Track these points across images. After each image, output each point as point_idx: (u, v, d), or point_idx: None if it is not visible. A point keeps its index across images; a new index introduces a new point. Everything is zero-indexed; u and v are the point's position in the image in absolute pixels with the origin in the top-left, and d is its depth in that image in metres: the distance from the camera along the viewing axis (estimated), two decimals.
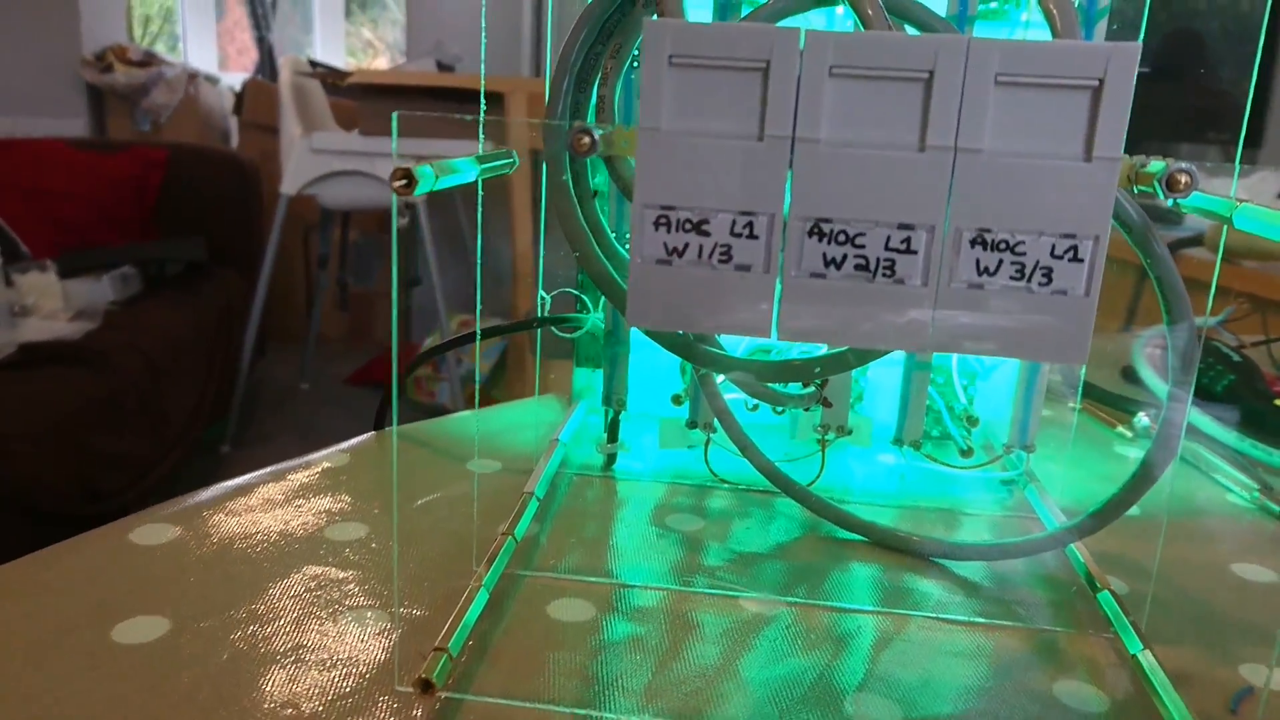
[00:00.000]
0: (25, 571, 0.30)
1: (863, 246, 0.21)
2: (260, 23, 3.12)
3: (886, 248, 0.21)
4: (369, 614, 0.28)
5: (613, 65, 0.31)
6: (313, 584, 0.30)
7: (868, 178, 0.21)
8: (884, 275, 0.21)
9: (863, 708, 0.26)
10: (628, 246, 0.34)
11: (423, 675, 0.24)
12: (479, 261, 0.31)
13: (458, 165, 0.23)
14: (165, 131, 2.72)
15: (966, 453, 0.38)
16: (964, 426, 0.39)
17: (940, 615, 0.30)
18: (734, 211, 0.21)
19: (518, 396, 0.47)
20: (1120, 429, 0.47)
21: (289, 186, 2.12)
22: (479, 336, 0.30)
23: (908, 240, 0.21)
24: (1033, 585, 0.33)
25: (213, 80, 3.00)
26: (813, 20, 0.32)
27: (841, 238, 0.21)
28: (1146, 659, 0.27)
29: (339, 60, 3.09)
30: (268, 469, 0.38)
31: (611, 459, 0.40)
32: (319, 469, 0.38)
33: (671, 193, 0.21)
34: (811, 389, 0.34)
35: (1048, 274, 0.21)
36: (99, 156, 2.19)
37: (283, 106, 2.20)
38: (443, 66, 2.60)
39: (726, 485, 0.38)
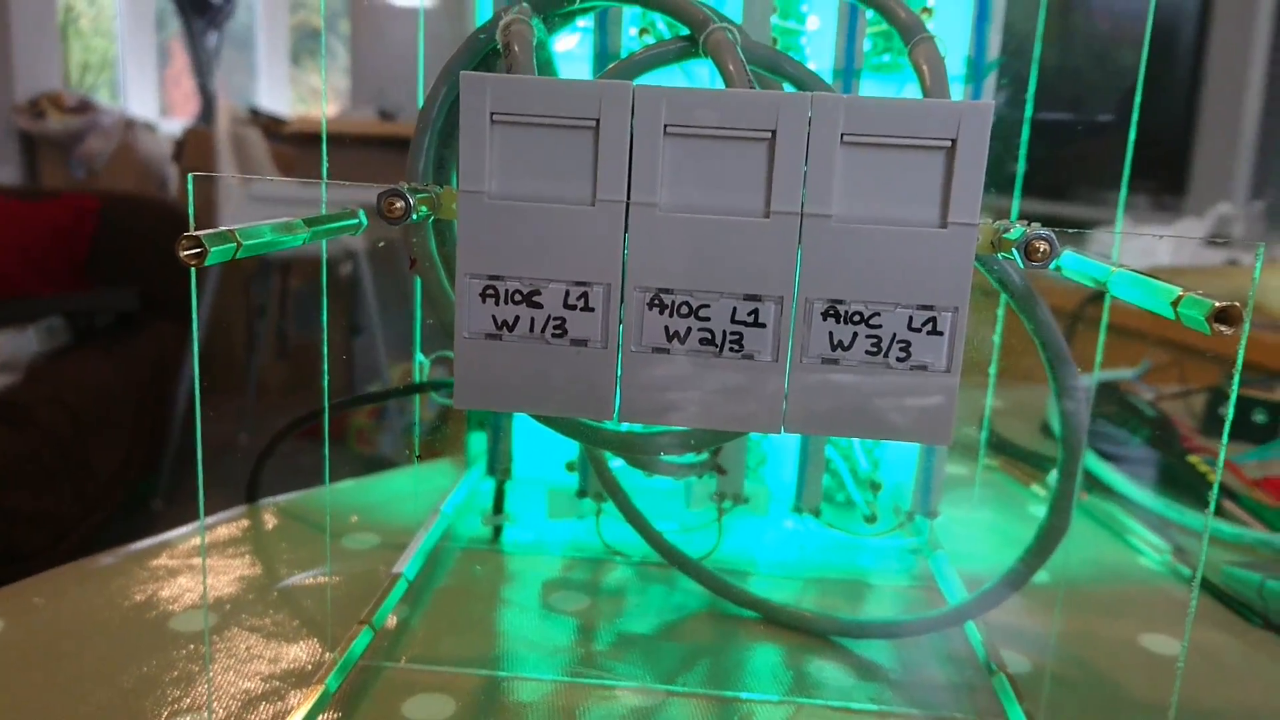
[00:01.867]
0: None
1: (707, 319, 0.19)
2: (203, 69, 3.09)
3: (733, 320, 0.19)
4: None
5: None
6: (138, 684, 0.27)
7: (710, 245, 0.19)
8: (731, 350, 0.19)
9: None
10: None
11: None
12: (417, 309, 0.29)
13: (263, 231, 0.21)
14: (101, 180, 2.67)
15: (870, 519, 0.36)
16: (867, 491, 0.37)
17: (843, 704, 0.28)
18: (567, 281, 0.19)
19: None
20: (1035, 487, 0.46)
21: None
22: (326, 413, 0.28)
23: (755, 312, 0.19)
24: (934, 664, 0.31)
25: (151, 128, 2.96)
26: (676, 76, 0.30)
27: (684, 309, 0.19)
28: None
29: (285, 107, 3.07)
30: (123, 548, 0.35)
31: (498, 531, 0.38)
32: (180, 548, 0.35)
33: (499, 262, 0.19)
34: (705, 456, 0.32)
35: (906, 348, 0.19)
36: (29, 205, 2.14)
37: (219, 154, 2.17)
38: (385, 114, 2.59)
39: (620, 558, 0.36)
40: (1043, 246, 0.18)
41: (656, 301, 0.19)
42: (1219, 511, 0.44)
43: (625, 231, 0.19)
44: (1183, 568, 0.38)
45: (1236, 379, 0.18)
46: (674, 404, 0.20)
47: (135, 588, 0.32)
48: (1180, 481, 0.46)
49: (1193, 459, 0.47)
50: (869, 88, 0.34)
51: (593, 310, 0.19)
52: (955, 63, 0.34)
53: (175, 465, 2.16)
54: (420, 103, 0.28)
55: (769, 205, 0.19)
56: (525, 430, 0.37)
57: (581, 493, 0.36)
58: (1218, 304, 0.17)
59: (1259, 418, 0.58)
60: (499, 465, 0.37)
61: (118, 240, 2.17)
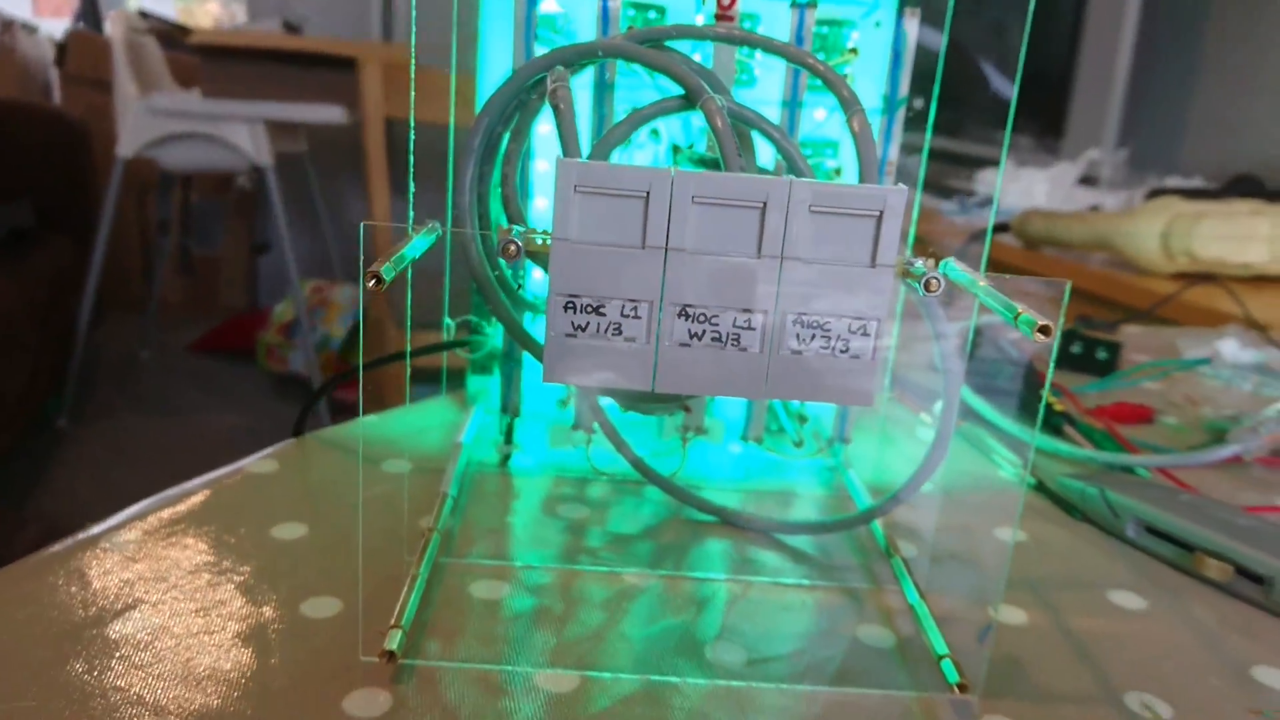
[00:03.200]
0: None
1: (717, 325, 0.29)
2: None
3: (734, 326, 0.29)
4: (324, 599, 0.35)
5: (514, 146, 0.38)
6: (263, 578, 0.36)
7: (720, 276, 0.29)
8: (733, 345, 0.29)
9: (719, 654, 0.34)
10: (531, 297, 0.41)
11: (386, 648, 0.31)
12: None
13: (419, 244, 0.29)
14: None
15: (798, 444, 0.47)
16: (796, 423, 0.48)
17: (776, 579, 0.39)
18: (623, 299, 0.29)
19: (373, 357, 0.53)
20: (923, 416, 0.58)
21: (126, 149, 2.05)
22: (409, 356, 0.37)
23: (749, 321, 0.29)
24: (848, 552, 0.42)
25: (30, 29, 2.82)
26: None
27: (701, 319, 0.29)
28: (922, 607, 0.36)
29: (168, 10, 2.96)
30: (199, 480, 0.44)
31: (507, 458, 0.47)
32: (243, 476, 0.44)
33: (576, 285, 0.29)
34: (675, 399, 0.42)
35: (846, 345, 0.29)
36: None
37: (117, 64, 2.11)
38: (289, 27, 2.54)
39: (605, 477, 0.46)
40: (935, 284, 0.28)
41: (683, 313, 0.29)
42: (1060, 433, 0.56)
43: (664, 266, 0.28)
44: (1030, 478, 0.50)
45: (1050, 374, 0.29)
46: (692, 379, 0.30)
47: (216, 513, 0.41)
48: (1033, 410, 0.58)
49: (1052, 394, 0.59)
50: (809, 109, 0.43)
51: (640, 319, 0.29)
52: (874, 97, 0.44)
53: (80, 383, 2.16)
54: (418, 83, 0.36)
55: (760, 250, 0.28)
56: (530, 376, 0.46)
57: (575, 427, 0.46)
58: (1039, 322, 0.27)
59: (1101, 354, 0.71)
60: (510, 405, 0.46)
61: (5, 151, 2.11)
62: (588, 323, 0.29)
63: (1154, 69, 1.69)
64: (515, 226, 0.29)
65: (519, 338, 0.39)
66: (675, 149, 0.43)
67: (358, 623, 0.33)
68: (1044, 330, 0.27)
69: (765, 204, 0.28)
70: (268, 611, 0.34)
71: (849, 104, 0.34)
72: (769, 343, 0.29)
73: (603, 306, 0.29)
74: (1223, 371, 0.72)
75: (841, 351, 0.29)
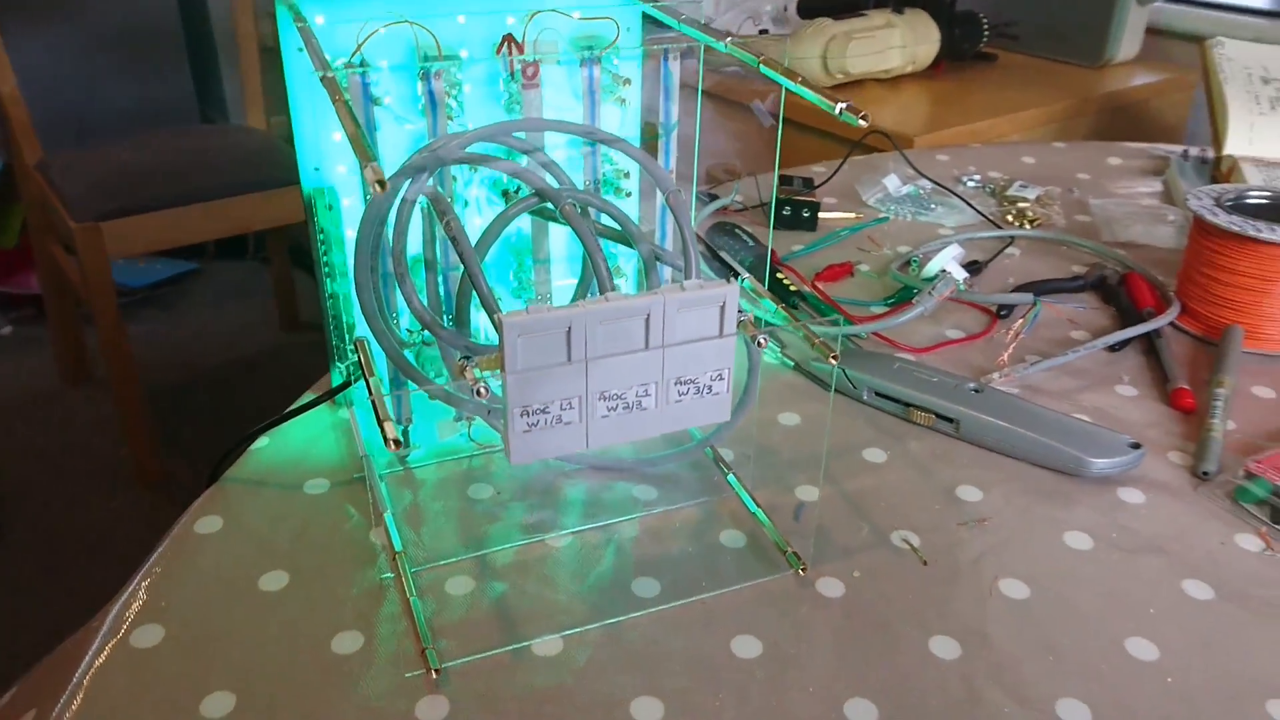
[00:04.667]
0: None
1: (625, 398, 0.41)
2: None
3: (636, 396, 0.41)
4: (348, 634, 0.45)
5: (428, 256, 0.46)
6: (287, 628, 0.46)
7: (625, 368, 0.40)
8: (637, 408, 0.42)
9: (640, 589, 0.48)
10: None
11: (431, 666, 0.43)
12: None
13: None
14: None
15: None
16: None
17: (654, 511, 0.54)
18: (560, 399, 0.40)
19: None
20: None
21: None
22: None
23: (646, 389, 0.41)
24: (692, 477, 0.57)
25: None
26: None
27: (614, 397, 0.41)
28: (752, 504, 0.53)
29: None
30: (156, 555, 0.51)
31: (405, 457, 0.57)
32: (196, 538, 0.51)
33: (527, 399, 0.39)
34: None
35: (709, 387, 0.43)
36: None
37: None
38: None
39: (485, 450, 0.58)
40: (763, 342, 0.42)
41: (602, 396, 0.41)
42: (798, 309, 0.73)
43: (586, 372, 0.40)
44: (786, 359, 0.67)
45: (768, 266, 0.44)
46: (612, 436, 0.42)
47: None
48: (775, 291, 0.75)
49: (780, 275, 0.76)
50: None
51: (573, 408, 0.40)
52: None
53: None
54: None
55: (648, 344, 0.40)
56: (418, 397, 0.56)
57: (457, 418, 0.56)
58: (830, 354, 0.42)
59: (805, 214, 0.88)
60: (403, 416, 0.56)
61: None
62: (538, 420, 0.40)
63: None
64: (476, 369, 0.39)
65: (401, 367, 0.48)
66: (505, 194, 0.52)
67: (378, 651, 0.45)
68: (833, 357, 0.42)
69: (649, 315, 0.40)
70: (304, 657, 0.44)
71: (665, 184, 0.45)
72: (659, 400, 0.42)
73: (547, 408, 0.40)
74: (890, 207, 0.92)
75: (707, 392, 0.43)
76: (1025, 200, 0.92)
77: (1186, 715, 0.42)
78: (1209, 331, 0.71)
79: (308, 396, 0.61)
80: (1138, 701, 0.43)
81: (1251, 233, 0.67)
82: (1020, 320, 0.70)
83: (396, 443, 0.37)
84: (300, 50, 0.50)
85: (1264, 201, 0.73)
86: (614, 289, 0.43)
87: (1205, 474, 0.57)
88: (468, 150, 0.47)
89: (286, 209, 2.02)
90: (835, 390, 0.65)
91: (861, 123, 0.40)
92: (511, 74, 0.50)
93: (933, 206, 0.92)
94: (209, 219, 1.92)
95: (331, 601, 0.47)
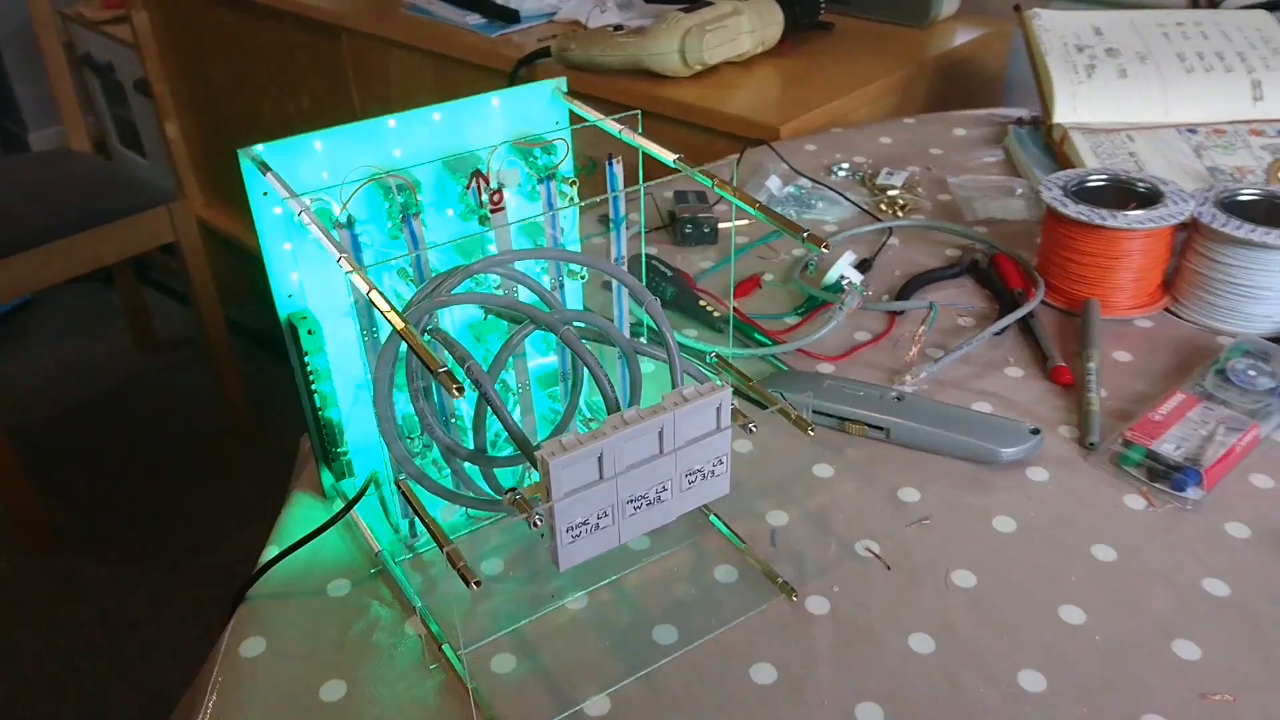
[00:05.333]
0: None
1: (647, 496, 0.48)
2: None
3: (655, 493, 0.48)
4: None
5: (426, 403, 0.51)
6: None
7: (646, 473, 0.47)
8: (656, 501, 0.49)
9: (660, 636, 0.56)
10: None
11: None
12: None
13: None
14: None
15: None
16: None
17: (649, 560, 0.61)
18: (597, 510, 0.46)
19: None
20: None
21: None
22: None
23: (663, 485, 0.48)
24: (679, 521, 0.64)
25: None
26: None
27: (639, 497, 0.48)
28: (738, 541, 0.61)
29: None
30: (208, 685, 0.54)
31: (413, 545, 0.62)
32: (243, 661, 0.56)
33: (571, 516, 0.46)
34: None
35: (712, 471, 0.50)
36: None
37: None
38: None
39: (483, 523, 0.64)
40: (753, 429, 0.49)
41: (630, 500, 0.47)
42: (723, 332, 0.81)
43: (616, 485, 0.46)
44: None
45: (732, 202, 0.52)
46: (638, 527, 0.49)
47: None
48: (699, 317, 0.82)
49: (702, 301, 0.83)
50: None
51: (607, 515, 0.47)
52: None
53: None
54: None
55: (661, 449, 0.47)
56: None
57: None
58: (804, 423, 0.49)
59: (706, 229, 0.95)
60: (406, 512, 0.60)
61: None
62: (580, 531, 0.47)
63: None
64: (534, 499, 0.45)
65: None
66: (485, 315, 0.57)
67: None
68: (800, 424, 0.50)
69: (661, 430, 0.47)
70: None
71: (642, 295, 0.52)
72: (674, 491, 0.49)
73: (587, 520, 0.46)
74: (777, 209, 1.00)
75: (711, 475, 0.50)
76: (894, 188, 1.02)
77: (1115, 666, 0.53)
78: (1071, 304, 0.83)
79: (305, 500, 0.65)
80: (1078, 661, 0.53)
81: (1098, 221, 0.78)
82: (921, 324, 0.80)
83: (477, 583, 0.42)
84: (266, 194, 0.54)
85: (1103, 184, 0.84)
86: (619, 407, 0.49)
87: (1092, 445, 0.68)
88: (465, 286, 0.52)
89: (138, 239, 1.95)
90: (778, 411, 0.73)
91: (824, 251, 0.47)
92: (481, 204, 0.55)
93: (815, 203, 1.01)
94: (54, 261, 1.85)
95: (394, 700, 0.53)
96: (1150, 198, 0.81)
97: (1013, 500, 0.64)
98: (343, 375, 0.60)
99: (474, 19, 1.66)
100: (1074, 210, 0.79)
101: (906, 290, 0.86)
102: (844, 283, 0.84)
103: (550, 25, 1.64)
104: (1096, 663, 0.53)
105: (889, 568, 0.60)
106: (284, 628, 0.58)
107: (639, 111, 0.57)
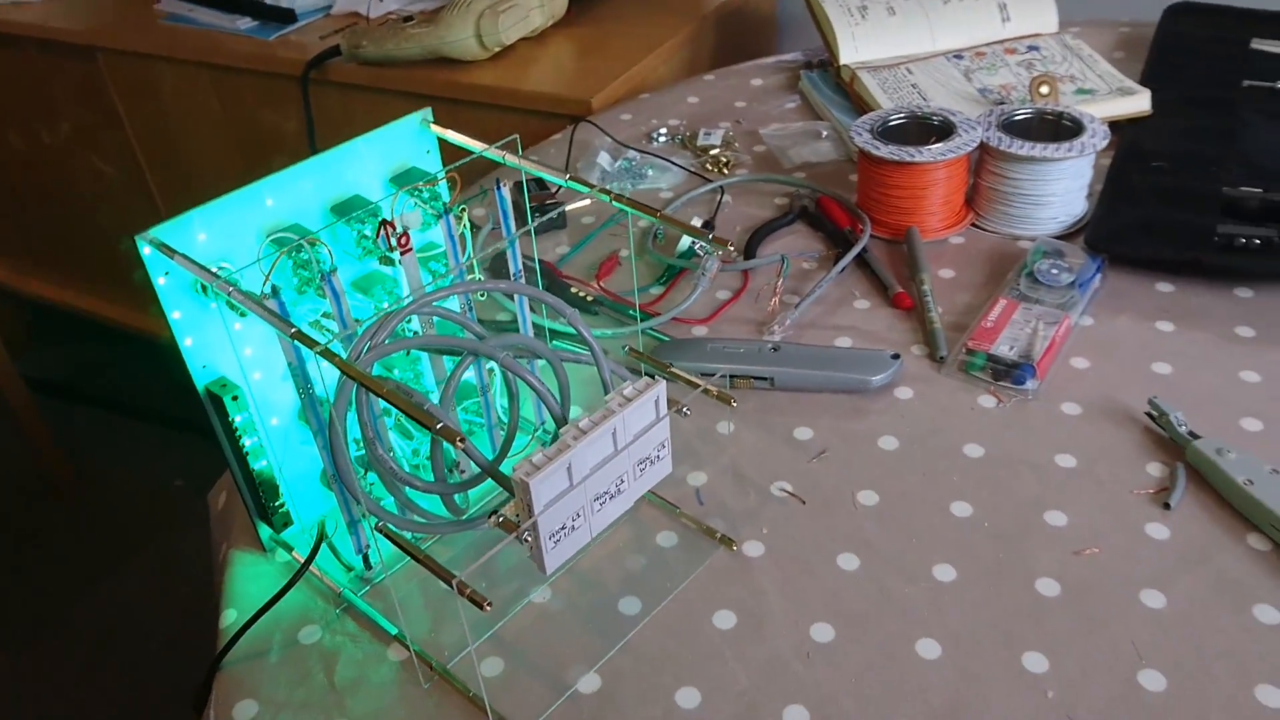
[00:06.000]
0: None
1: (608, 491, 0.53)
2: None
3: (615, 486, 0.53)
4: None
5: (368, 432, 0.53)
6: None
7: (606, 473, 0.52)
8: (616, 494, 0.54)
9: (624, 607, 0.62)
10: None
11: None
12: None
13: None
14: None
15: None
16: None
17: (604, 534, 0.66)
18: (571, 513, 0.51)
19: None
20: None
21: None
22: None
23: (622, 477, 0.54)
24: None
25: None
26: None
27: (603, 494, 0.53)
28: (670, 507, 0.67)
29: None
30: None
31: (371, 579, 0.65)
32: None
33: (551, 525, 0.50)
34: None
35: (658, 456, 0.55)
36: None
37: None
38: None
39: (435, 538, 0.67)
40: (686, 411, 0.55)
41: (596, 498, 0.53)
42: (598, 314, 0.86)
43: (587, 493, 0.51)
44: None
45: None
46: (604, 521, 0.54)
47: None
48: (571, 302, 0.87)
49: (573, 288, 0.87)
50: None
51: (581, 516, 0.52)
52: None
53: None
54: None
55: (616, 446, 0.52)
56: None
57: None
58: (730, 410, 0.56)
59: (555, 216, 0.99)
60: (362, 548, 0.63)
61: None
62: (559, 536, 0.51)
63: None
64: (514, 518, 0.49)
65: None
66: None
67: None
68: (723, 399, 0.56)
69: (615, 432, 0.52)
70: None
71: (565, 312, 0.56)
72: (629, 481, 0.54)
73: (564, 525, 0.51)
74: (612, 185, 1.05)
75: (657, 459, 0.56)
76: (714, 147, 1.09)
77: (1005, 546, 0.63)
78: (894, 234, 0.93)
79: (246, 558, 0.66)
80: (975, 547, 0.63)
81: (908, 158, 0.88)
82: (777, 277, 0.88)
83: (489, 605, 0.46)
84: (167, 275, 0.55)
85: (904, 121, 0.94)
86: (565, 420, 0.54)
87: (941, 358, 0.78)
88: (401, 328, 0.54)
89: None
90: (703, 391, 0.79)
91: (731, 250, 0.53)
92: (392, 248, 0.57)
93: (646, 172, 1.07)
94: None
95: None
96: (945, 129, 0.92)
97: (889, 421, 0.74)
98: (263, 431, 0.61)
99: (245, 22, 1.60)
100: (885, 151, 0.89)
101: (751, 245, 0.93)
102: (696, 248, 0.91)
103: (329, 20, 1.60)
104: (990, 546, 0.64)
105: (804, 502, 0.68)
106: (270, 685, 0.59)
107: (517, 136, 0.61)
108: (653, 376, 0.55)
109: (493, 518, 0.50)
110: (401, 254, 0.57)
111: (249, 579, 0.66)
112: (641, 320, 0.84)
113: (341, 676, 0.59)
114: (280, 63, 1.51)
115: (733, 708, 0.56)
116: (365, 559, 0.64)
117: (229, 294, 0.50)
